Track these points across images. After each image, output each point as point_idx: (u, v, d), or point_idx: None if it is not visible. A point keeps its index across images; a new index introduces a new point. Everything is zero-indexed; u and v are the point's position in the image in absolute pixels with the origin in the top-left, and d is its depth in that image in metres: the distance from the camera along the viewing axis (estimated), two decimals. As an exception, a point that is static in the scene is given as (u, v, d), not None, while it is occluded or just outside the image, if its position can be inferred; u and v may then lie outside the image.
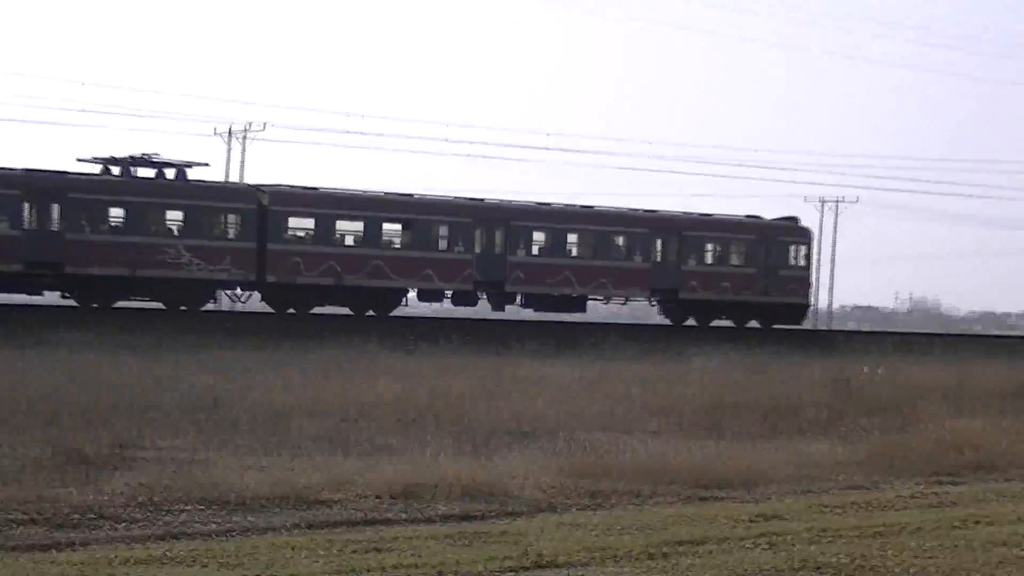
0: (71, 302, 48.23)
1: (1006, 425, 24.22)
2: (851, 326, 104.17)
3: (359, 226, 51.48)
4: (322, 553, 12.73)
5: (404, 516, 15.12)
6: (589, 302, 56.89)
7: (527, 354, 36.55)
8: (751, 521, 15.09)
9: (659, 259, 56.24)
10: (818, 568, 12.56)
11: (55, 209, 46.80)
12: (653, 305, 60.10)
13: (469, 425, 21.73)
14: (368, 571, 12.06)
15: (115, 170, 49.65)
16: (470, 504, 15.78)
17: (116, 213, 48.10)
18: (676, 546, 13.42)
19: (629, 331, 49.18)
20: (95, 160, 49.98)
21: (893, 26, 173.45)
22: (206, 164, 52.30)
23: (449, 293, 54.17)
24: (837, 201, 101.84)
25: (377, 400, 24.22)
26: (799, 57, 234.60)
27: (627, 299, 58.46)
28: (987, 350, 48.83)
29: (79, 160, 50.78)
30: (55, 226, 46.76)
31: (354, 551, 12.86)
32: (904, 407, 26.12)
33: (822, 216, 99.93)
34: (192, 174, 50.62)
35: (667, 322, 59.24)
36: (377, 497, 15.86)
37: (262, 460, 17.81)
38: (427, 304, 57.88)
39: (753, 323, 57.88)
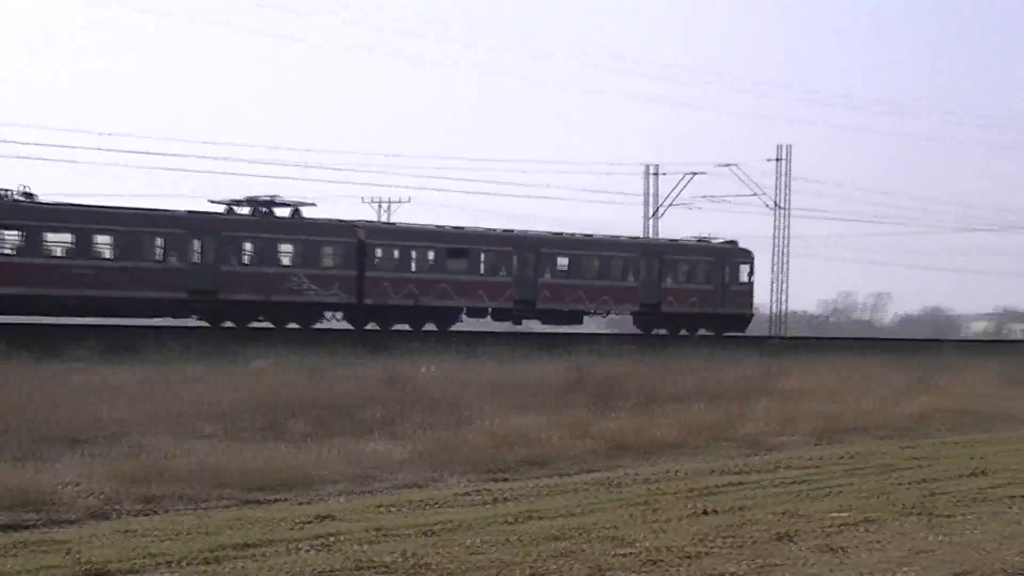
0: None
1: (557, 420, 24.96)
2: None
3: (430, 255, 61.43)
4: None
5: (-54, 529, 14.51)
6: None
7: (81, 358, 35.60)
8: (307, 523, 15.06)
9: (645, 278, 66.99)
10: (373, 567, 12.61)
11: (212, 245, 55.52)
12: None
13: (20, 433, 20.97)
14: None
15: (241, 210, 58.72)
16: (18, 514, 15.23)
17: (256, 247, 56.77)
18: (231, 550, 13.28)
19: (185, 334, 48.44)
20: (223, 202, 59.31)
21: (443, 26, 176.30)
22: (313, 204, 60.83)
23: (491, 310, 64.24)
24: (391, 202, 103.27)
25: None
26: (354, 59, 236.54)
27: (614, 313, 70.92)
28: (539, 347, 50.02)
29: (211, 201, 60.19)
30: (211, 259, 55.41)
31: None
32: (460, 405, 26.60)
33: (379, 216, 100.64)
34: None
35: (638, 331, 68.63)
36: (-82, 510, 15.18)
37: None
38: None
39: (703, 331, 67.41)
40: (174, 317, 55.70)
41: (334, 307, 59.27)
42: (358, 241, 58.79)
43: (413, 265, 61.03)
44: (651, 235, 70.92)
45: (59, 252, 52.44)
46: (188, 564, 12.60)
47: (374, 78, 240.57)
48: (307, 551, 13.37)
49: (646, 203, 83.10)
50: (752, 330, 72.36)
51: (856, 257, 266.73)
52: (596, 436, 23.80)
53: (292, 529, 14.64)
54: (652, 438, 24.18)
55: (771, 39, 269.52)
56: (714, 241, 71.83)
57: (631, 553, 13.66)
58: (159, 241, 54.66)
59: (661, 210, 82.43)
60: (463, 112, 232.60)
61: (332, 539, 13.98)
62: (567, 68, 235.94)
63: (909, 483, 19.39)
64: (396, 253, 60.40)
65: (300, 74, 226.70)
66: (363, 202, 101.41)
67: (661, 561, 13.33)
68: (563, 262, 65.03)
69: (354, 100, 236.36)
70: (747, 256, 72.14)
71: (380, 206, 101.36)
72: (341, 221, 60.90)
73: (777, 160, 70.16)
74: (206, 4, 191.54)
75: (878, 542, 14.56)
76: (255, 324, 56.67)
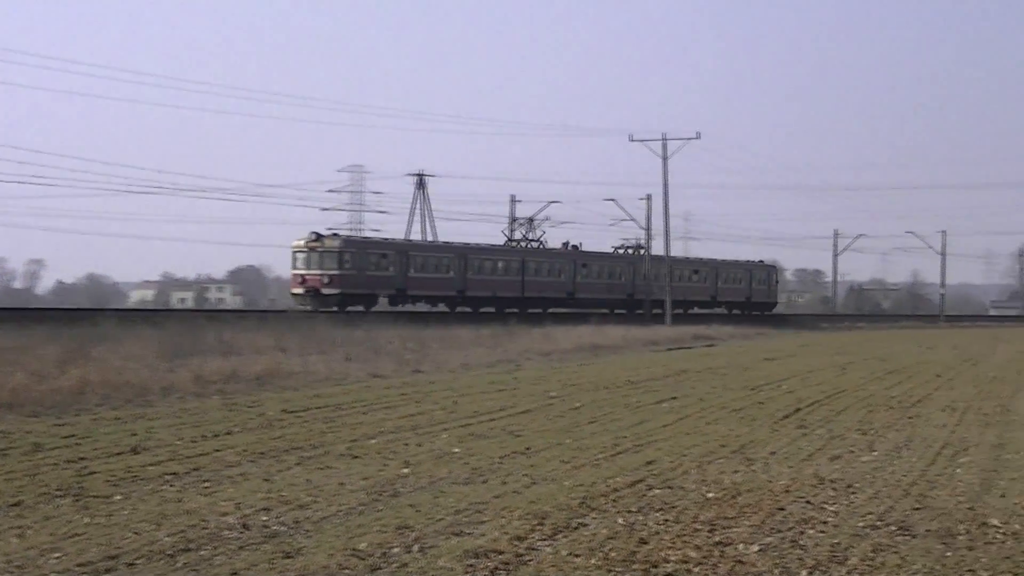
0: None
1: None
2: None
3: (684, 272, 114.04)
4: None
5: None
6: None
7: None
8: None
9: (750, 284, 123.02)
10: None
11: (631, 270, 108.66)
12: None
13: None
14: None
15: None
16: None
17: (658, 270, 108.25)
18: None
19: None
20: (622, 246, 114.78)
21: None
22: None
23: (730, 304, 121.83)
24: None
25: None
26: None
27: (735, 300, 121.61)
28: None
29: (612, 246, 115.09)
30: (632, 277, 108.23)
31: None
32: None
33: None
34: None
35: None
36: None
37: None
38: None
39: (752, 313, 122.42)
40: (621, 309, 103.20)
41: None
42: (668, 268, 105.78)
43: (701, 281, 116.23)
44: None
45: (590, 276, 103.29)
46: None
47: None
48: None
49: None
50: None
51: (5, 221, 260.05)
52: None
53: None
54: None
55: None
56: (763, 261, 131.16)
57: None
58: (620, 269, 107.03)
59: None
60: None
61: None
62: None
63: (61, 463, 18.59)
64: (692, 275, 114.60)
65: None
66: None
67: None
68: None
69: None
70: (777, 271, 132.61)
71: None
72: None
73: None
74: None
75: (27, 527, 13.81)
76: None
